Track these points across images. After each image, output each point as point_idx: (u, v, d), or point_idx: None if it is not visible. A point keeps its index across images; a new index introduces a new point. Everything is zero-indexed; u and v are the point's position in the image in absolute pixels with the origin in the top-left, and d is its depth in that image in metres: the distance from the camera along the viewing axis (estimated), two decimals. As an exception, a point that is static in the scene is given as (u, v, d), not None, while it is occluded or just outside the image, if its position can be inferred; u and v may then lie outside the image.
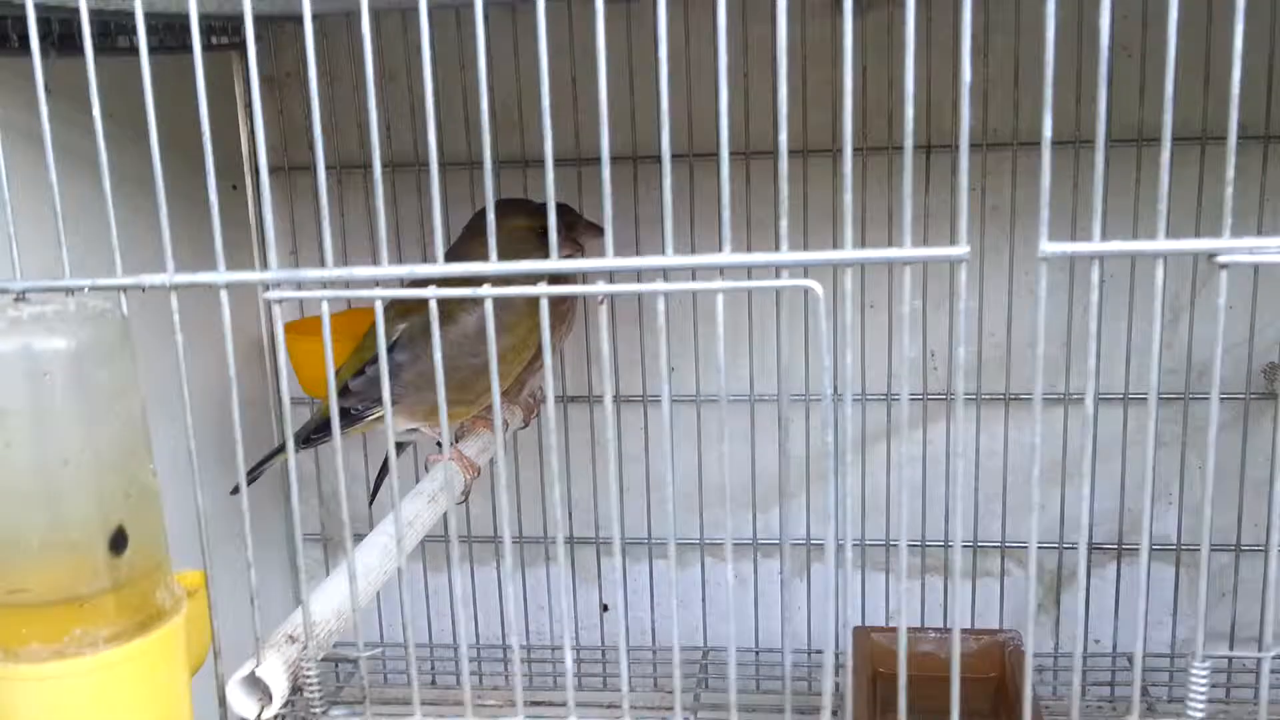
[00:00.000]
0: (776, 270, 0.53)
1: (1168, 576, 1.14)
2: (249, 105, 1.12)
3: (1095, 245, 0.51)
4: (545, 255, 0.89)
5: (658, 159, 1.07)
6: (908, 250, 0.52)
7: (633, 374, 1.16)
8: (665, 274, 0.54)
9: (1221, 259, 0.51)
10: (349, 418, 0.88)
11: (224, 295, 0.56)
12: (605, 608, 1.23)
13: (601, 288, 0.54)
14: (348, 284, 0.57)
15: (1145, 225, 1.03)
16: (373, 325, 0.92)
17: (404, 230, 1.13)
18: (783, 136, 0.51)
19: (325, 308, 0.56)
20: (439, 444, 0.91)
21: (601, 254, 0.56)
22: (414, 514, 0.80)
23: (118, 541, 0.52)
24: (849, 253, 0.53)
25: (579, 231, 0.95)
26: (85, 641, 0.52)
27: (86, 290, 0.55)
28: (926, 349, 1.12)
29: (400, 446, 1.04)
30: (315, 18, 1.10)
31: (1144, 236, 0.52)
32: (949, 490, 1.13)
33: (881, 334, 1.12)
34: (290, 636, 0.62)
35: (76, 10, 0.54)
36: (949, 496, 1.14)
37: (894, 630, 1.09)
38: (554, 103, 0.52)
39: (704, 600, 1.20)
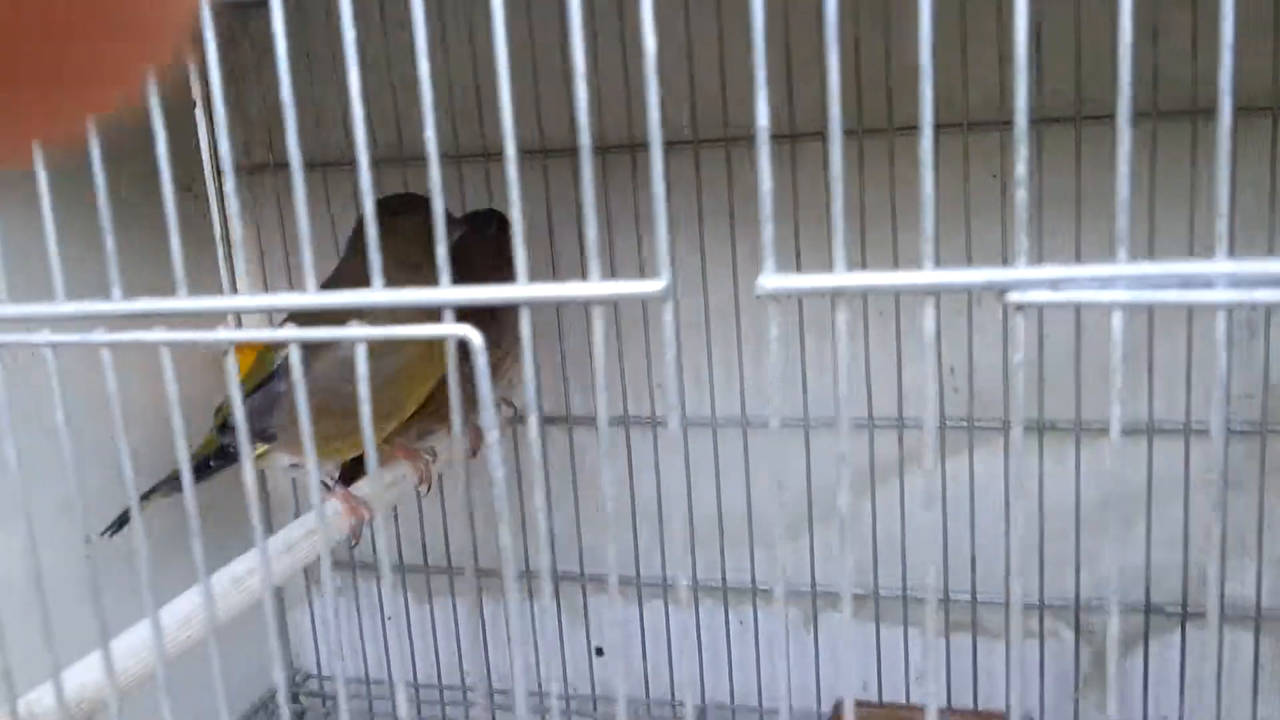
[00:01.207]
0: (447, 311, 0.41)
1: (1246, 643, 0.94)
2: (207, 100, 1.06)
3: (835, 279, 0.37)
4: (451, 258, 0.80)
5: (602, 150, 0.96)
6: (595, 287, 0.39)
7: (611, 394, 1.03)
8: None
9: (1013, 298, 0.36)
10: (227, 457, 0.79)
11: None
12: (599, 651, 1.11)
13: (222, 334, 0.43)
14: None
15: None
16: (260, 353, 0.83)
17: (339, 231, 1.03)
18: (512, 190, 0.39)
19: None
20: (324, 483, 0.81)
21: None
22: (244, 571, 0.70)
23: None
24: (525, 290, 0.40)
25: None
26: None
27: None
28: (943, 367, 0.96)
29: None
30: (261, 4, 1.02)
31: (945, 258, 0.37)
32: (973, 534, 0.97)
33: (890, 354, 0.96)
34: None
35: None
36: (973, 542, 0.97)
37: (883, 708, 0.94)
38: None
39: (700, 647, 1.07)
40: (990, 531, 0.97)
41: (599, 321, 0.39)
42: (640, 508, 1.04)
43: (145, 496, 0.78)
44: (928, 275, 0.36)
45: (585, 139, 0.38)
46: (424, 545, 1.10)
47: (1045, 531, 0.95)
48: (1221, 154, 0.35)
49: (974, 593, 0.98)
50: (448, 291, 0.40)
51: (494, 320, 0.87)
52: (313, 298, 0.42)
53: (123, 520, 0.79)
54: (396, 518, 1.10)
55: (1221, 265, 0.35)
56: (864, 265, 0.92)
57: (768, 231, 0.37)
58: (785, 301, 0.38)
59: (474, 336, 0.40)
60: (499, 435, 0.41)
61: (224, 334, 0.42)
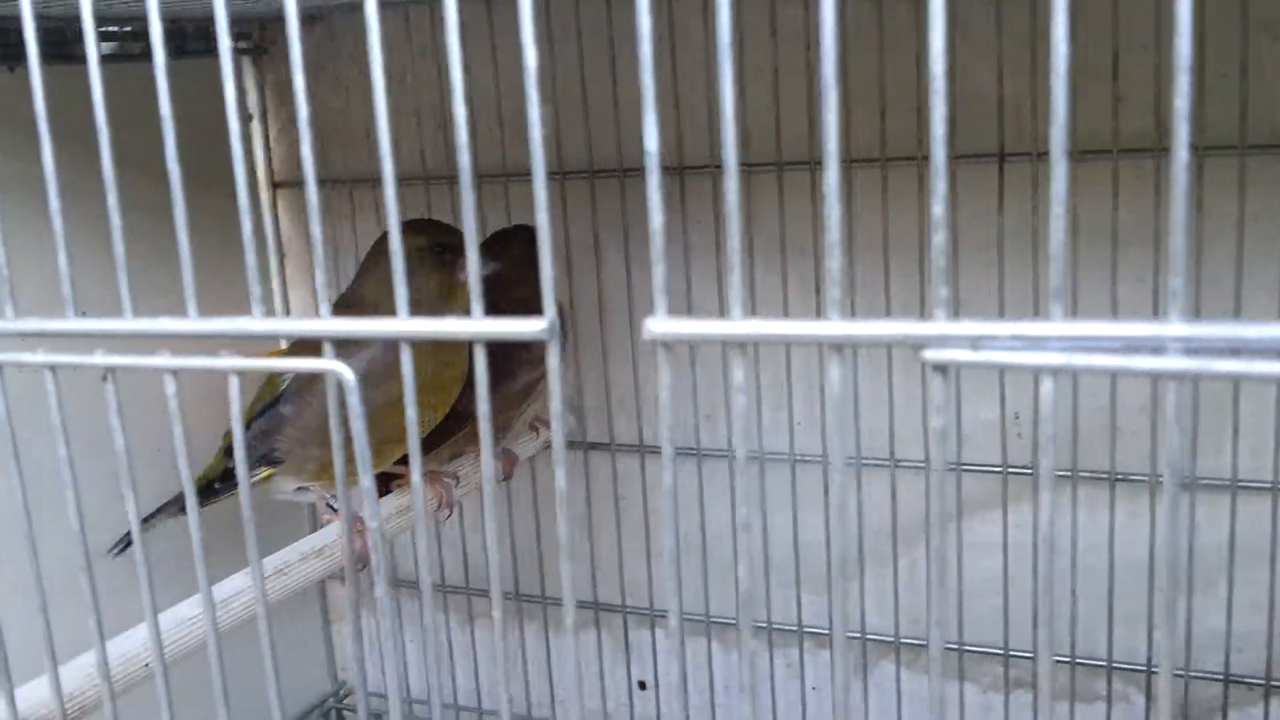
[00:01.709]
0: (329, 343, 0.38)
1: (1337, 726, 0.85)
2: (264, 114, 1.05)
3: (728, 325, 0.33)
4: (448, 278, 0.77)
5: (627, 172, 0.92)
6: (475, 325, 0.35)
7: (653, 425, 0.99)
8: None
9: (930, 356, 0.31)
10: (231, 480, 0.77)
11: None
12: (642, 685, 1.06)
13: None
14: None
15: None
16: (270, 376, 0.81)
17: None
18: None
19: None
20: (329, 505, 0.78)
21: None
22: (233, 590, 0.68)
23: None
24: (403, 324, 0.36)
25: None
26: None
27: None
28: (1006, 410, 0.89)
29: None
30: (318, 19, 1.01)
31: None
32: (1036, 587, 0.90)
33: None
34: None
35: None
36: (1036, 595, 0.90)
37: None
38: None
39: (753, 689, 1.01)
40: (1057, 584, 0.90)
41: (482, 358, 0.35)
42: (686, 541, 1.00)
43: (150, 518, 0.77)
44: (834, 326, 0.31)
45: (466, 159, 0.34)
46: (466, 566, 1.08)
47: (1115, 588, 0.88)
48: (1179, 198, 0.29)
49: (1035, 648, 0.91)
50: (327, 323, 0.37)
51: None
52: (196, 323, 0.39)
53: (128, 540, 0.77)
54: (440, 539, 1.08)
55: (1174, 328, 0.29)
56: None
57: (659, 273, 0.33)
58: (678, 347, 0.34)
59: (346, 373, 0.36)
60: (372, 479, 0.37)
61: (101, 359, 0.39)
